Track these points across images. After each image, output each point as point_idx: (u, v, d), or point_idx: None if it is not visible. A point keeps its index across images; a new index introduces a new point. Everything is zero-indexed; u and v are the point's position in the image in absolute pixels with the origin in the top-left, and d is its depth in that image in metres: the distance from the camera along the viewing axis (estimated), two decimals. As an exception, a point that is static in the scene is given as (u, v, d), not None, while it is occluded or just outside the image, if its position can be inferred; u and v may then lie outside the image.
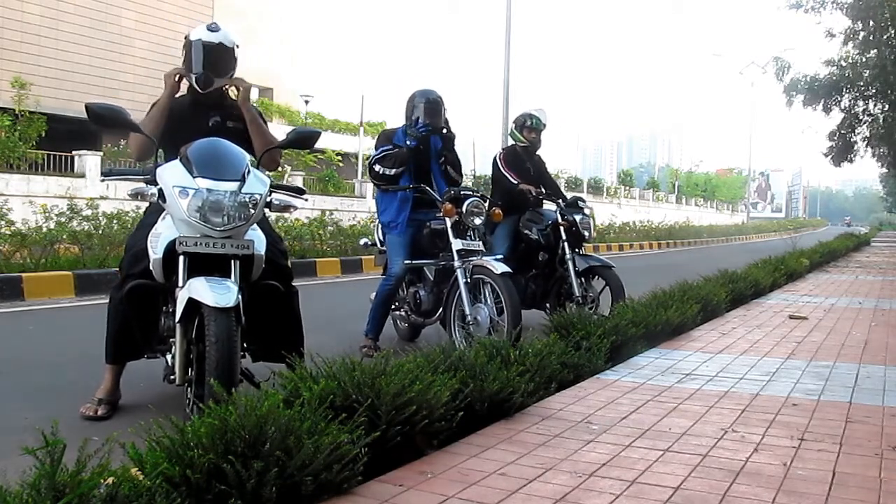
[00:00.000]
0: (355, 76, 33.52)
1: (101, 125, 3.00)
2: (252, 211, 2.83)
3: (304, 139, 3.36)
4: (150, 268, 2.94)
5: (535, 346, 3.26)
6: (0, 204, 8.57)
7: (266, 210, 3.06)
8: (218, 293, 2.60)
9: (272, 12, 30.88)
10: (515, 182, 5.74)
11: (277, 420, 1.86)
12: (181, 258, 2.78)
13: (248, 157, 2.95)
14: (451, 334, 4.53)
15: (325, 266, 10.74)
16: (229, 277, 2.77)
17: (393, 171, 4.78)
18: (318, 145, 3.53)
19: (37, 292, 7.15)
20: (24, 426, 2.84)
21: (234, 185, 2.79)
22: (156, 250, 2.91)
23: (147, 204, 3.34)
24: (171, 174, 2.83)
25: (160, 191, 2.86)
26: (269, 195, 2.97)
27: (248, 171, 2.88)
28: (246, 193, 2.81)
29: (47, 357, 4.51)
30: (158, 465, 1.70)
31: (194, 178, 2.78)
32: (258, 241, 2.96)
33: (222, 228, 2.76)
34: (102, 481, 1.54)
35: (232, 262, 2.82)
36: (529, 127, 5.95)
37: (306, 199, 3.50)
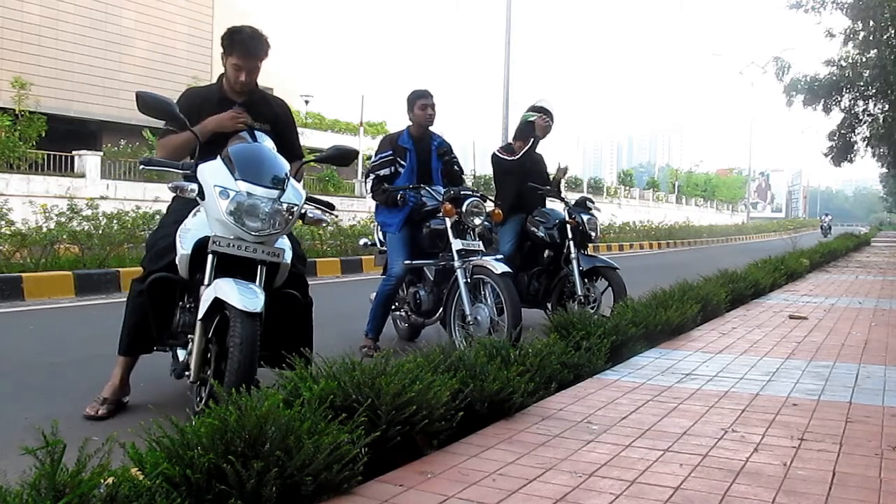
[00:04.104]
0: (355, 76, 33.62)
1: (148, 114, 3.00)
2: (288, 220, 2.84)
3: (343, 156, 3.39)
4: (176, 262, 2.96)
5: (535, 346, 3.26)
6: (0, 204, 8.57)
7: (298, 221, 3.07)
8: (246, 297, 2.61)
9: (273, 13, 30.89)
10: (516, 157, 5.76)
11: (277, 420, 1.86)
12: (210, 256, 2.79)
13: (287, 165, 2.96)
14: (452, 334, 4.53)
15: (325, 266, 10.73)
16: (253, 281, 2.78)
17: (380, 201, 4.90)
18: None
19: (37, 292, 7.15)
20: (24, 426, 2.84)
21: (274, 193, 2.81)
22: (184, 246, 2.93)
23: (157, 206, 3.34)
24: (213, 173, 2.84)
25: (199, 187, 2.86)
26: (304, 206, 2.99)
27: (288, 180, 2.89)
28: (284, 202, 2.82)
29: (47, 357, 4.51)
30: (158, 465, 1.70)
31: (236, 180, 2.79)
32: (287, 250, 2.97)
33: (257, 233, 2.77)
34: (102, 481, 1.54)
35: (259, 267, 2.83)
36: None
37: (337, 217, 3.52)
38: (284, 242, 3.01)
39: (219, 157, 2.93)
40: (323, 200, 3.32)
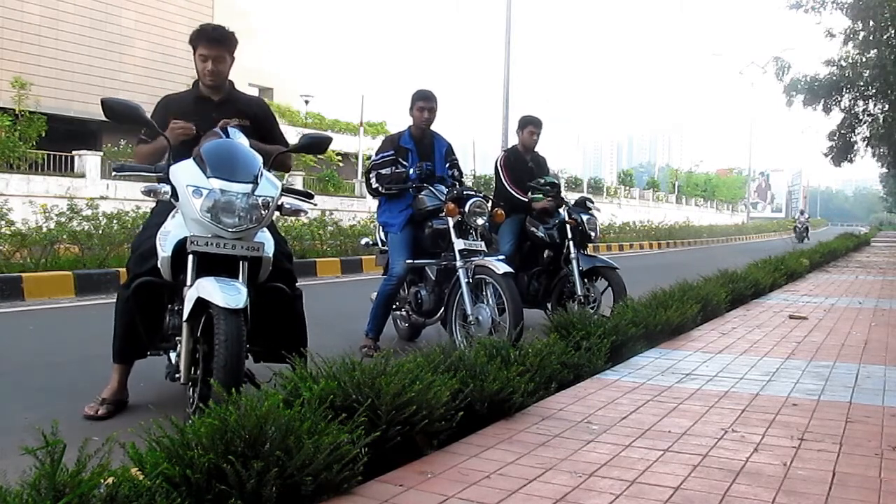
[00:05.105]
0: (355, 76, 33.51)
1: (115, 121, 3.00)
2: (264, 213, 2.84)
3: (316, 144, 3.38)
4: (158, 265, 2.96)
5: (535, 346, 3.26)
6: (0, 204, 8.57)
7: (276, 213, 3.07)
8: (228, 294, 2.61)
9: (273, 12, 30.88)
10: (524, 198, 5.79)
11: (277, 420, 1.86)
12: (190, 257, 2.79)
13: (260, 159, 2.96)
14: (452, 334, 4.53)
15: (325, 266, 10.74)
16: (236, 278, 2.78)
17: (390, 190, 4.84)
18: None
19: (37, 292, 7.15)
20: (24, 426, 2.84)
21: (247, 187, 2.80)
22: (164, 248, 2.92)
23: (153, 205, 3.34)
24: (185, 173, 2.84)
25: (173, 189, 2.86)
26: (280, 198, 2.98)
27: (261, 174, 2.89)
28: (258, 196, 2.82)
29: (47, 357, 4.51)
30: (158, 465, 1.70)
31: (208, 178, 2.79)
32: (267, 243, 2.97)
33: (234, 229, 2.77)
34: (102, 481, 1.54)
35: (240, 263, 2.83)
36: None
37: (315, 205, 3.52)
38: (264, 236, 3.01)
39: (191, 156, 2.93)
40: (300, 190, 3.32)
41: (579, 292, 5.45)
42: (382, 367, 2.40)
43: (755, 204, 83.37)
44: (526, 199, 5.78)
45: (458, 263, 4.48)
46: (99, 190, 16.89)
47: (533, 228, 5.77)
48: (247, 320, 2.68)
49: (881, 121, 19.29)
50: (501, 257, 4.73)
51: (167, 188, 2.88)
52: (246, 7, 28.43)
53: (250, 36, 24.18)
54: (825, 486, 2.11)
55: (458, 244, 4.52)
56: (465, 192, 4.68)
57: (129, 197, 15.85)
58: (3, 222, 8.18)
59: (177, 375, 2.91)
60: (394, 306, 5.03)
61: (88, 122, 22.70)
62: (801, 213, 36.86)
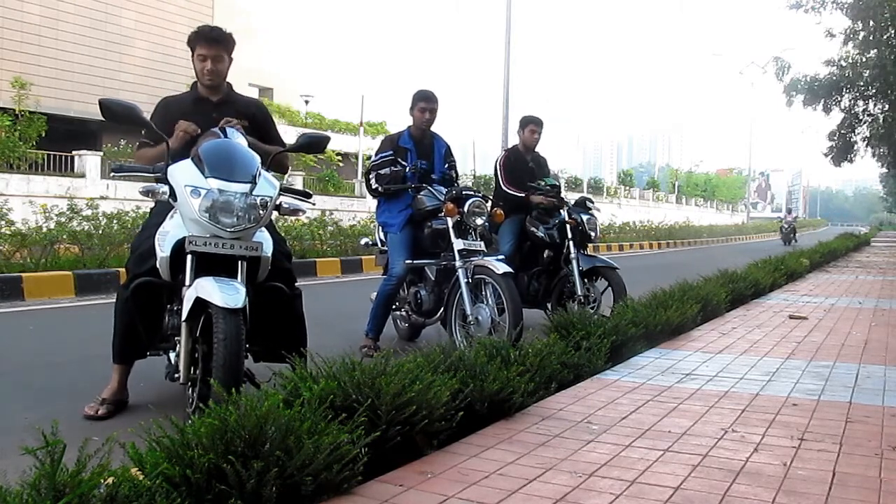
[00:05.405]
0: (355, 76, 33.52)
1: (113, 122, 3.00)
2: (262, 213, 2.84)
3: (314, 143, 3.38)
4: (157, 266, 2.96)
5: (535, 346, 3.26)
6: (0, 204, 8.57)
7: (274, 213, 3.08)
8: (227, 294, 2.61)
9: (272, 12, 30.88)
10: (520, 194, 5.78)
11: (277, 420, 1.86)
12: (189, 257, 2.79)
13: (258, 158, 2.96)
14: (452, 334, 4.53)
15: (325, 266, 10.74)
16: (235, 278, 2.78)
17: (388, 189, 4.85)
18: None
19: (37, 292, 7.15)
20: (24, 426, 2.84)
21: (245, 187, 2.81)
22: (163, 248, 2.93)
23: (152, 205, 3.34)
24: (183, 173, 2.84)
25: (171, 189, 2.87)
26: (279, 198, 2.99)
27: (259, 174, 2.90)
28: (256, 196, 2.82)
29: (47, 357, 4.51)
30: (158, 465, 1.70)
31: (206, 178, 2.79)
32: (266, 242, 2.97)
33: (232, 229, 2.78)
34: (102, 481, 1.54)
35: (239, 262, 2.83)
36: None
37: (314, 204, 3.53)
38: (263, 236, 3.01)
39: (189, 157, 2.94)
40: (298, 190, 3.33)
41: (579, 292, 5.45)
42: (382, 367, 2.40)
43: (755, 204, 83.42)
44: (523, 195, 5.78)
45: (458, 263, 4.48)
46: (99, 190, 16.89)
47: (533, 228, 5.77)
48: (246, 320, 2.69)
49: (881, 121, 19.30)
50: (501, 257, 4.73)
51: (165, 188, 2.89)
52: (246, 7, 28.42)
53: (250, 36, 24.18)
54: (825, 486, 2.11)
55: (458, 244, 4.52)
56: (464, 192, 4.68)
57: (129, 197, 15.85)
58: (3, 222, 8.18)
59: (176, 375, 2.91)
60: (394, 306, 5.03)
61: (88, 122, 22.71)
62: (789, 211, 32.20)
